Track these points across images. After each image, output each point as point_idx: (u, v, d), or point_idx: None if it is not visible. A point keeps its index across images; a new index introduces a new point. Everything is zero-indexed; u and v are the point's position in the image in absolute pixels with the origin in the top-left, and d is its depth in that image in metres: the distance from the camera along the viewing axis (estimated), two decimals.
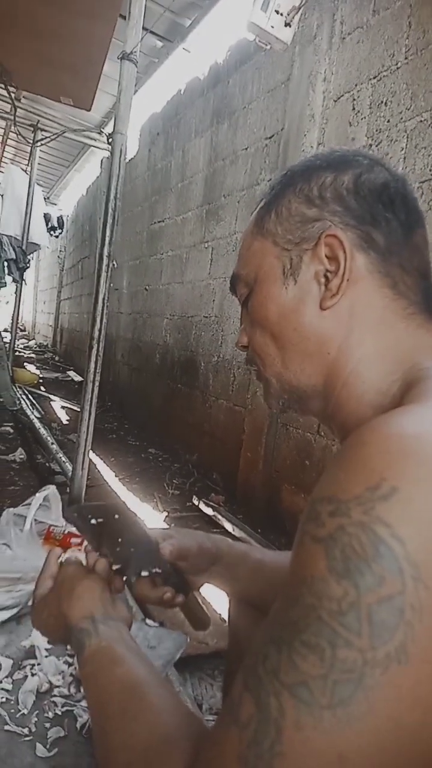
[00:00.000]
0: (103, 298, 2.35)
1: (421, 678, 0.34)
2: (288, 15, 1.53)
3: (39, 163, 4.86)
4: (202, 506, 2.78)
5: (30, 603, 0.70)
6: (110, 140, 2.17)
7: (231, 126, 3.35)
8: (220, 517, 2.63)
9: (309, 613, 0.37)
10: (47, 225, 4.67)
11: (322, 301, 0.56)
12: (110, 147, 2.21)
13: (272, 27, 1.54)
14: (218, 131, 3.51)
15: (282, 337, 0.59)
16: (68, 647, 1.02)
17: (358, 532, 0.36)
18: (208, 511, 2.72)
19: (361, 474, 0.39)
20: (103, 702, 0.53)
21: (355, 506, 0.37)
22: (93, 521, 0.73)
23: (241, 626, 0.87)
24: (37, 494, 1.24)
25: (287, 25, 1.49)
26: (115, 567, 0.72)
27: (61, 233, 4.98)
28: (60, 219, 4.85)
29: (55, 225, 4.81)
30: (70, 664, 0.97)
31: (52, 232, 4.75)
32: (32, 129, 4.66)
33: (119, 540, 0.72)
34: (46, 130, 4.55)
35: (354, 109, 2.31)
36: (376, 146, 2.17)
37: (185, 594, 0.78)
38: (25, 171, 4.94)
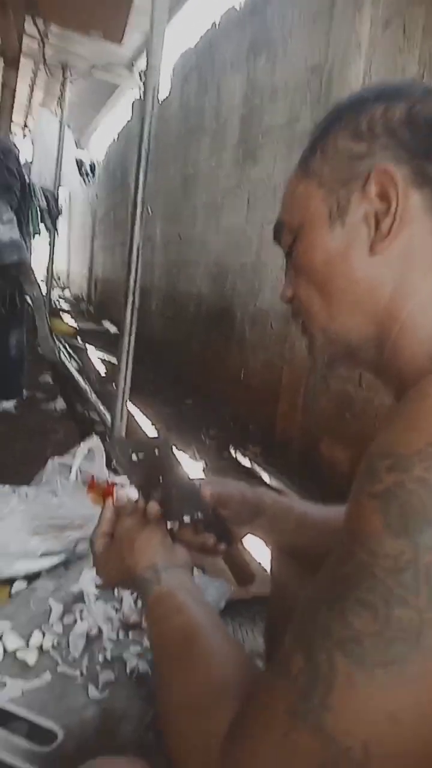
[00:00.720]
0: (138, 247, 2.30)
1: None
2: None
3: (68, 107, 4.70)
4: (239, 457, 2.80)
5: (89, 556, 0.71)
6: (143, 75, 2.06)
7: (269, 59, 3.14)
8: (256, 467, 2.65)
9: (362, 570, 0.36)
10: (80, 170, 4.57)
11: (373, 245, 0.51)
12: (142, 85, 2.11)
13: None
14: (256, 65, 3.31)
15: (328, 286, 0.55)
16: (115, 593, 1.05)
17: (418, 488, 0.35)
18: (245, 461, 2.74)
19: (424, 428, 0.37)
20: (164, 648, 0.55)
21: (417, 462, 0.36)
22: (134, 457, 0.73)
23: (284, 577, 0.88)
24: (82, 445, 1.26)
25: None
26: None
27: (93, 180, 4.87)
28: (92, 164, 4.73)
29: (88, 171, 4.69)
30: (117, 610, 0.99)
31: (85, 178, 4.65)
32: (61, 68, 4.49)
33: (160, 480, 0.72)
34: (75, 68, 4.39)
35: (405, 34, 2.12)
36: (430, 76, 2.00)
37: (228, 543, 0.78)
38: (55, 114, 4.80)
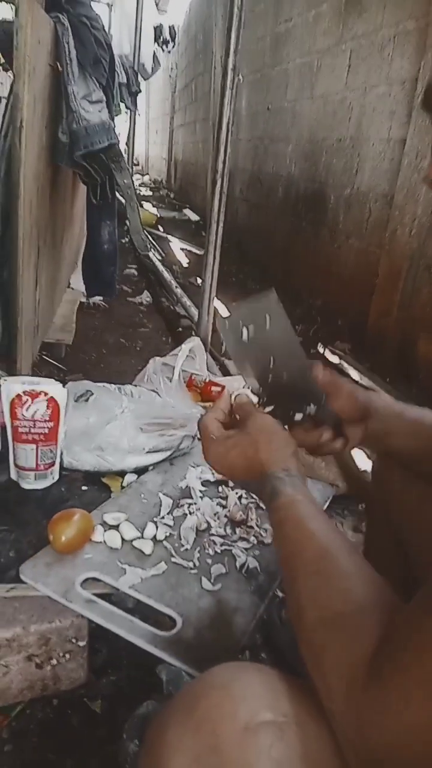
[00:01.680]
0: (228, 123, 2.10)
1: None
2: None
3: None
4: (327, 354, 2.72)
5: (197, 438, 0.70)
6: None
7: None
8: (346, 365, 2.57)
9: None
10: (159, 38, 4.14)
11: None
12: None
13: None
14: None
15: None
16: (220, 489, 1.08)
17: None
18: (334, 359, 2.66)
19: None
20: (295, 554, 0.55)
21: None
22: (244, 335, 0.69)
23: (387, 481, 0.85)
24: (183, 346, 1.24)
25: None
26: (267, 409, 0.70)
27: (173, 47, 4.42)
28: (172, 29, 4.26)
29: (167, 38, 4.25)
30: (223, 507, 1.02)
31: (164, 47, 4.23)
32: None
33: (271, 365, 0.69)
34: None
35: None
36: None
37: (344, 440, 0.74)
38: None
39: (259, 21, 4.22)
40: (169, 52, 4.54)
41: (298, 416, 0.70)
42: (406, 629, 0.41)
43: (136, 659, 0.82)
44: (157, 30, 4.11)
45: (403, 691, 0.39)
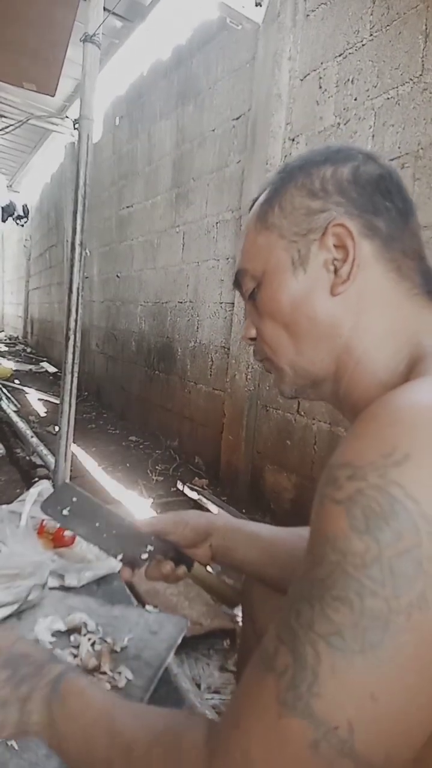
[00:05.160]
0: (78, 288, 2.32)
1: None
2: None
3: (1, 152, 4.70)
4: (187, 491, 2.81)
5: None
6: (76, 126, 2.12)
7: (197, 107, 3.30)
8: (204, 500, 2.66)
9: (335, 570, 0.40)
10: (13, 214, 4.55)
11: (333, 288, 0.59)
12: (76, 132, 2.17)
13: (243, 6, 1.52)
14: (184, 113, 3.47)
15: (295, 326, 0.62)
16: (71, 639, 1.04)
17: (375, 493, 0.40)
18: (193, 495, 2.75)
19: (375, 443, 0.42)
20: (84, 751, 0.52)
21: (370, 471, 0.41)
22: (64, 513, 0.76)
23: (250, 599, 0.90)
24: (32, 490, 1.24)
25: (258, 4, 1.48)
26: (119, 557, 0.75)
27: (26, 222, 4.86)
28: (25, 207, 4.72)
29: (21, 213, 4.68)
30: (75, 656, 0.98)
31: (18, 221, 4.63)
32: None
33: (97, 525, 0.76)
34: (6, 117, 4.43)
35: (321, 87, 2.30)
36: (344, 125, 2.18)
37: (188, 566, 0.82)
38: None
39: (104, 205, 4.85)
40: (22, 225, 4.95)
41: (144, 555, 0.77)
42: (239, 694, 0.44)
43: None
44: (9, 207, 4.53)
45: (245, 747, 0.41)
